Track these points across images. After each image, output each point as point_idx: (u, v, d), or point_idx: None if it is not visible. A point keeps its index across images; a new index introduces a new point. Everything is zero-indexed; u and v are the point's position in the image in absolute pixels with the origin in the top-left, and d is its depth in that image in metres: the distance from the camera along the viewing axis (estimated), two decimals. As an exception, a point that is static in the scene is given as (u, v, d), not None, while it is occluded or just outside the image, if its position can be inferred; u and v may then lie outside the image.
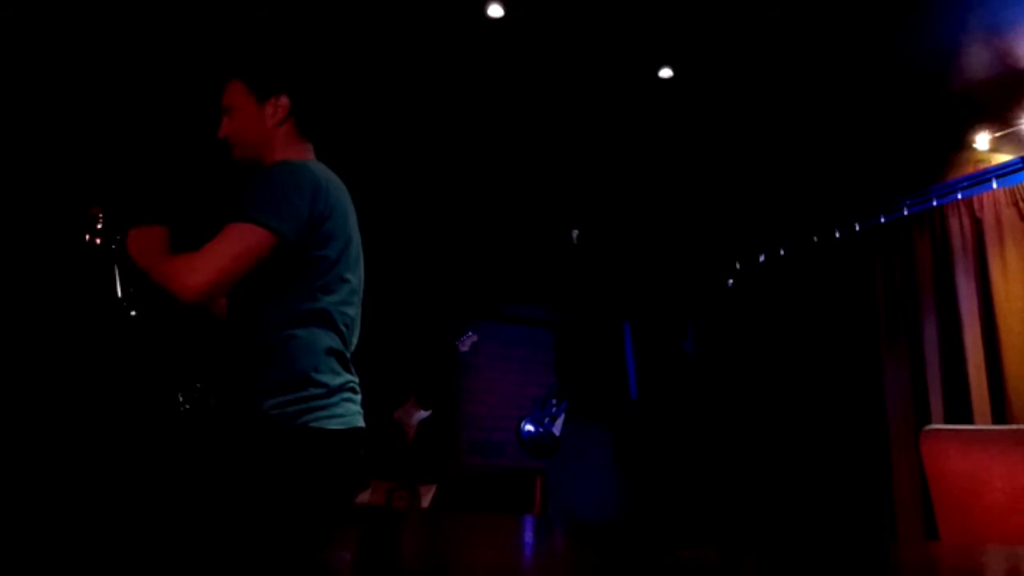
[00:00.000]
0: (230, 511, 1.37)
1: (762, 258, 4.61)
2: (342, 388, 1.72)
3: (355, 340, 1.84)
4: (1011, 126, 3.60)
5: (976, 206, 3.64)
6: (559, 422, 4.98)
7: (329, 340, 1.71)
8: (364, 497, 3.87)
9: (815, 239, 4.33)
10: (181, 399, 1.94)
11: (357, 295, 1.83)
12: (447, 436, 4.61)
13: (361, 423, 1.76)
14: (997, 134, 3.66)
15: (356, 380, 1.80)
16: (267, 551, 0.79)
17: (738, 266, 4.74)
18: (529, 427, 4.94)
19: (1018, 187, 3.54)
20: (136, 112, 3.20)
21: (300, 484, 1.63)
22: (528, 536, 1.07)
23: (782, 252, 4.50)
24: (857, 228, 4.13)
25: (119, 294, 1.81)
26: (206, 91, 1.99)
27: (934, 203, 3.82)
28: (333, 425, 1.67)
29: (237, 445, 1.68)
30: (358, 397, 1.79)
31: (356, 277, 1.83)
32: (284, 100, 1.82)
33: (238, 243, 1.61)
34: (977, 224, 3.62)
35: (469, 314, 4.79)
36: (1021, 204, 3.51)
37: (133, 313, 1.82)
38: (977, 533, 1.99)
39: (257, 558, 0.74)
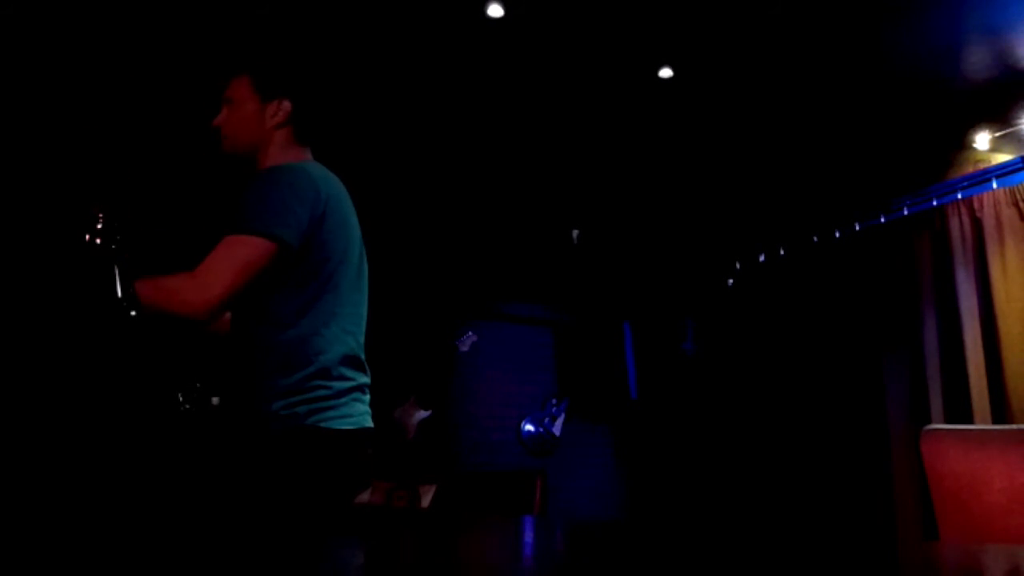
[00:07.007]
0: (240, 510, 1.37)
1: (762, 258, 4.61)
2: (352, 389, 1.72)
3: (362, 340, 1.84)
4: (1011, 126, 3.60)
5: (976, 206, 3.64)
6: (559, 422, 4.98)
7: (339, 342, 1.70)
8: (364, 497, 3.86)
9: (815, 239, 4.33)
10: (181, 399, 1.94)
11: (363, 295, 1.83)
12: (447, 436, 4.61)
13: (370, 423, 1.76)
14: (997, 134, 3.66)
15: (367, 382, 1.80)
16: (274, 550, 0.79)
17: (738, 266, 4.74)
18: (529, 427, 4.93)
19: (1018, 187, 3.54)
20: (136, 112, 3.20)
21: (310, 483, 1.63)
22: (528, 536, 1.07)
23: (782, 252, 4.50)
24: (857, 228, 4.13)
25: (119, 294, 1.81)
26: (206, 90, 1.99)
27: (934, 203, 3.82)
28: (344, 425, 1.67)
29: (246, 444, 1.68)
30: (367, 398, 1.79)
31: (361, 277, 1.83)
32: (287, 104, 1.82)
33: (240, 254, 1.58)
34: (977, 224, 3.62)
35: (469, 314, 4.78)
36: (1021, 204, 3.51)
37: (133, 313, 1.82)
38: (977, 533, 1.99)
39: (263, 557, 0.74)
